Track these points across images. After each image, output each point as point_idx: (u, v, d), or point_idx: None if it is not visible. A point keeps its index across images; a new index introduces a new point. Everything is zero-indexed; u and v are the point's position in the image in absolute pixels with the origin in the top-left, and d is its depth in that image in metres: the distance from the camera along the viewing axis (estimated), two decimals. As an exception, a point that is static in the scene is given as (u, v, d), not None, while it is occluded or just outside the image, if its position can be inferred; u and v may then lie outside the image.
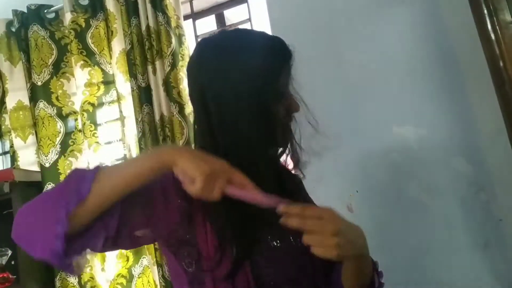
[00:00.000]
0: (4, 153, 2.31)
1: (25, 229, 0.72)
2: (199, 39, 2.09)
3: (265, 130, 0.84)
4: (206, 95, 0.84)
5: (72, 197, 0.68)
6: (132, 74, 1.89)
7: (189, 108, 1.81)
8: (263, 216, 0.78)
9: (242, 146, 0.83)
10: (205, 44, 0.90)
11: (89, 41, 2.03)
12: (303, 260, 0.84)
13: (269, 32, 1.83)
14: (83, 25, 2.04)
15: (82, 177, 0.71)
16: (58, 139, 2.01)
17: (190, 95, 0.92)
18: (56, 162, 1.98)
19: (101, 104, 2.01)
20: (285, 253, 0.84)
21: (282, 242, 0.84)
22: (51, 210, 0.68)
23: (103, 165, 0.75)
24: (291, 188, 0.99)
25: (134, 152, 1.88)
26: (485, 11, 1.21)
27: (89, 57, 2.02)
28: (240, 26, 2.21)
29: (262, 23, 2.06)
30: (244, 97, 0.82)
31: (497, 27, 1.19)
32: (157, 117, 1.83)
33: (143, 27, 1.88)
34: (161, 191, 0.79)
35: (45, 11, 2.12)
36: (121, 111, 1.93)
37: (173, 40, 1.84)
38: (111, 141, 2.01)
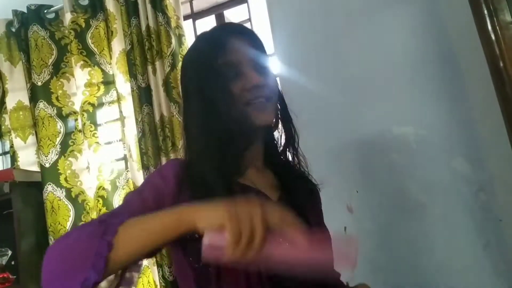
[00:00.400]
0: (4, 153, 2.31)
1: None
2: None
3: (231, 110, 0.86)
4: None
5: (97, 260, 0.67)
6: (132, 75, 1.89)
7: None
8: None
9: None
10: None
11: (89, 41, 2.03)
12: None
13: (269, 32, 1.84)
14: (83, 25, 2.04)
15: (101, 243, 0.68)
16: (58, 139, 2.01)
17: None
18: (56, 162, 1.98)
19: (101, 104, 2.01)
20: None
21: None
22: (76, 273, 0.67)
23: (125, 223, 0.71)
24: (294, 187, 0.98)
25: (134, 152, 1.88)
26: (485, 12, 1.21)
27: (89, 57, 2.03)
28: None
29: (262, 23, 2.07)
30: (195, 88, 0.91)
31: (497, 27, 1.19)
32: (157, 118, 1.83)
33: (143, 27, 1.88)
34: (171, 193, 0.82)
35: (45, 11, 2.12)
36: (121, 111, 1.93)
37: (173, 40, 1.84)
38: (111, 141, 2.01)
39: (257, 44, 0.96)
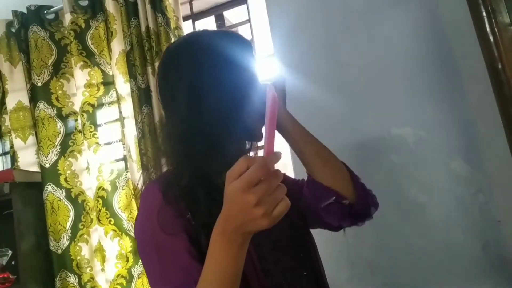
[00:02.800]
0: (4, 153, 2.32)
1: None
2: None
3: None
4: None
5: None
6: (132, 75, 1.89)
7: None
8: None
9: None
10: None
11: (89, 42, 2.04)
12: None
13: (268, 33, 1.84)
14: (83, 26, 2.05)
15: None
16: (58, 139, 2.02)
17: None
18: (56, 162, 1.99)
19: (101, 105, 2.02)
20: None
21: None
22: None
23: None
24: None
25: (134, 152, 1.89)
26: (484, 13, 1.21)
27: (89, 58, 2.03)
28: (240, 27, 2.22)
29: (261, 24, 2.07)
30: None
31: (496, 29, 1.19)
32: (156, 118, 1.83)
33: (143, 28, 1.88)
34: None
35: (45, 12, 2.13)
36: (120, 112, 1.94)
37: (173, 41, 1.84)
38: (110, 142, 2.02)
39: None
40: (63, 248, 1.93)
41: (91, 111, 2.00)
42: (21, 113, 2.15)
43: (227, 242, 0.62)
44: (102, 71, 2.03)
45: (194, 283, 0.68)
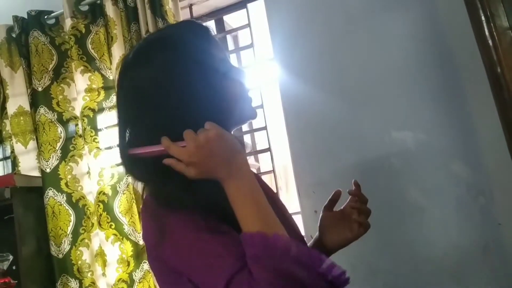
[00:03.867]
0: (5, 158, 2.32)
1: None
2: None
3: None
4: None
5: None
6: (132, 80, 1.89)
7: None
8: None
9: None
10: None
11: (89, 46, 2.04)
12: None
13: (268, 37, 1.85)
14: (83, 30, 2.05)
15: None
16: (58, 144, 2.02)
17: None
18: (57, 167, 1.99)
19: (101, 110, 2.02)
20: None
21: None
22: None
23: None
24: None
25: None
26: (483, 17, 1.22)
27: (89, 62, 2.03)
28: (240, 31, 2.22)
29: (261, 28, 2.08)
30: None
31: (495, 33, 1.19)
32: (157, 122, 1.83)
33: (143, 33, 1.89)
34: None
35: (45, 17, 2.13)
36: (121, 117, 1.94)
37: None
38: (111, 146, 2.01)
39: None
40: (64, 253, 1.93)
41: (91, 116, 2.00)
42: (21, 118, 2.15)
43: (239, 178, 0.71)
44: (102, 75, 2.03)
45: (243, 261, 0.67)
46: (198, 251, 0.71)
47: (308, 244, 1.04)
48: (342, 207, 1.03)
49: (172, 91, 0.78)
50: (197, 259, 0.71)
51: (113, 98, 2.01)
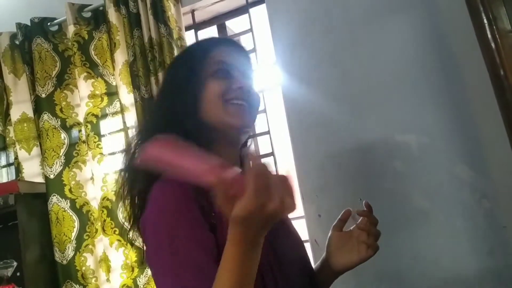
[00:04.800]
0: (9, 164, 2.32)
1: None
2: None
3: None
4: None
5: None
6: (135, 86, 1.91)
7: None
8: None
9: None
10: None
11: (92, 53, 2.06)
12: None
13: (270, 42, 1.85)
14: (86, 37, 2.06)
15: None
16: (62, 150, 2.03)
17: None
18: (60, 173, 2.00)
19: (104, 115, 2.03)
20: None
21: None
22: None
23: None
24: None
25: (138, 162, 1.89)
26: (485, 20, 1.22)
27: (92, 68, 2.04)
28: (242, 36, 2.23)
29: (263, 33, 2.08)
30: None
31: (497, 35, 1.19)
32: (160, 128, 1.84)
33: (146, 39, 1.90)
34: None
35: (49, 24, 2.15)
36: (124, 122, 1.95)
37: (175, 51, 1.85)
38: (115, 152, 2.02)
39: (249, 59, 1.01)
40: (68, 259, 1.93)
41: (95, 122, 2.01)
42: (25, 125, 2.16)
43: (247, 246, 0.64)
44: (105, 81, 2.04)
45: (209, 284, 0.66)
46: (176, 248, 0.73)
47: (316, 264, 1.05)
48: (351, 228, 1.02)
49: (167, 89, 0.98)
50: (175, 256, 0.73)
51: (116, 104, 2.02)
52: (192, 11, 2.14)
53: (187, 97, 0.90)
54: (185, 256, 0.73)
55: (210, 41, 1.02)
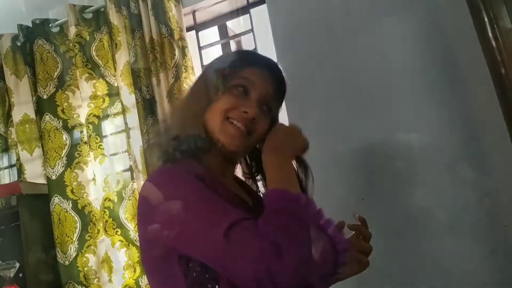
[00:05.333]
0: (11, 166, 2.33)
1: None
2: (202, 51, 2.12)
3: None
4: None
5: None
6: (137, 86, 1.91)
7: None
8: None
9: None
10: None
11: (94, 54, 2.06)
12: None
13: (271, 43, 1.86)
14: (88, 38, 2.07)
15: None
16: (64, 151, 2.03)
17: None
18: (62, 174, 2.00)
19: (106, 116, 2.03)
20: None
21: None
22: None
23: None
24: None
25: (140, 163, 1.89)
26: (486, 19, 1.22)
27: (94, 69, 2.05)
28: (243, 37, 2.23)
29: (264, 34, 2.08)
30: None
31: (498, 34, 1.20)
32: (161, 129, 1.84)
33: (147, 40, 1.90)
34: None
35: (50, 25, 2.15)
36: (126, 123, 1.95)
37: (177, 52, 1.86)
38: (116, 153, 2.03)
39: (280, 92, 0.98)
40: (71, 260, 1.93)
41: (96, 123, 2.01)
42: (27, 126, 2.17)
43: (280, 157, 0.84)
44: (107, 82, 2.04)
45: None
46: (202, 199, 0.77)
47: None
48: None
49: (194, 85, 1.02)
50: (201, 203, 0.76)
51: (118, 105, 2.02)
52: (193, 12, 2.14)
53: (202, 99, 0.93)
54: (209, 204, 0.76)
55: (248, 55, 1.03)
